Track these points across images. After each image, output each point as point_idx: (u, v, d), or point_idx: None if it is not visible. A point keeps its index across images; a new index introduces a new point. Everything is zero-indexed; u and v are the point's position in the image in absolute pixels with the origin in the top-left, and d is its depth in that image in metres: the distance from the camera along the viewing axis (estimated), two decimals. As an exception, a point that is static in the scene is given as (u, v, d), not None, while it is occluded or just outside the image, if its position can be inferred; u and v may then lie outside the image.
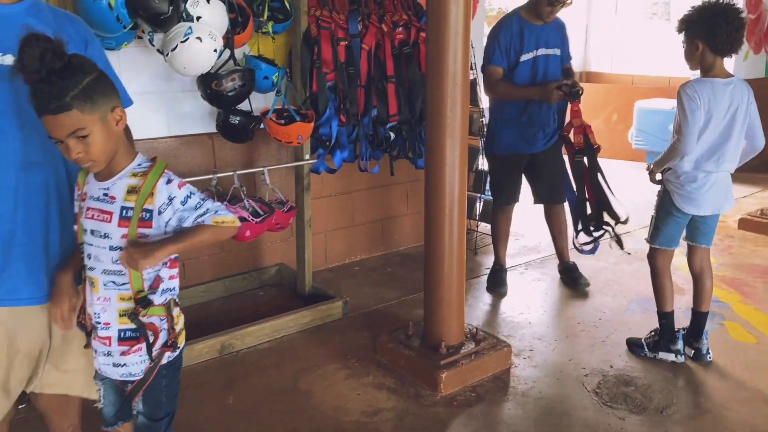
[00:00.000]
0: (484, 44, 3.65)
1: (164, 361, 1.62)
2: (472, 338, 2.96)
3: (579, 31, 7.87)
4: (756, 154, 2.88)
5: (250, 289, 3.81)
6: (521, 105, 3.56)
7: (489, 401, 2.71)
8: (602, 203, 3.49)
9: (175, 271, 1.62)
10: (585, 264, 4.26)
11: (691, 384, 2.84)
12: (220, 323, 3.26)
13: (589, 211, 3.57)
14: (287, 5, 3.27)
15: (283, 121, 3.25)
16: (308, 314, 3.34)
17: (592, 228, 3.57)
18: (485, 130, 4.46)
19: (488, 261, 4.05)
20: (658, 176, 2.92)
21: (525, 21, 3.53)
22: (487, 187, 4.54)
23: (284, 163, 3.62)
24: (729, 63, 6.88)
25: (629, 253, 3.74)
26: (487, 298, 3.79)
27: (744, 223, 4.98)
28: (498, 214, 3.90)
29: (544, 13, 3.47)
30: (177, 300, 1.65)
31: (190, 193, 1.57)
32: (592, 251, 3.71)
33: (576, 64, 7.96)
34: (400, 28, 3.54)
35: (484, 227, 4.58)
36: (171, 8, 2.73)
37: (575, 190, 3.59)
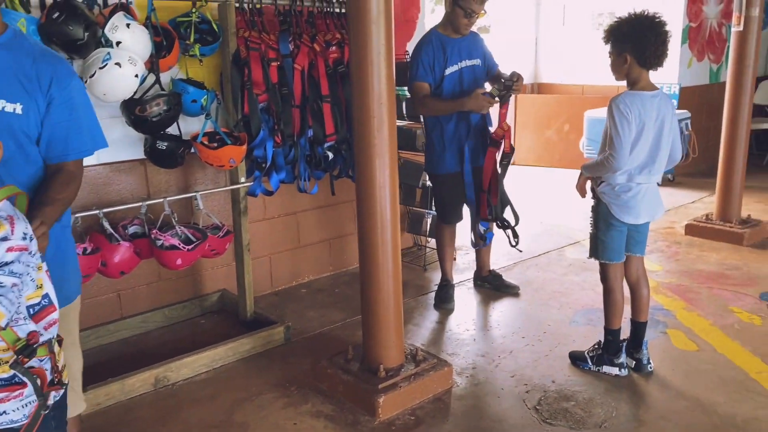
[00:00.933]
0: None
1: (51, 401, 1.53)
2: (412, 359, 2.91)
3: (529, 44, 7.96)
4: (674, 165, 2.91)
5: (191, 318, 3.71)
6: (453, 124, 3.57)
7: (428, 424, 2.65)
8: (505, 201, 3.59)
9: (53, 317, 1.51)
10: (533, 275, 4.27)
11: (632, 396, 2.82)
12: (157, 355, 3.15)
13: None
14: (215, 27, 3.22)
15: (215, 145, 3.18)
16: (248, 342, 3.26)
17: (490, 218, 3.63)
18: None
19: (438, 277, 4.02)
20: (590, 188, 2.92)
21: (444, 36, 3.57)
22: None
23: (222, 186, 3.55)
24: (674, 71, 7.00)
25: (521, 251, 3.80)
26: (434, 316, 3.75)
27: (691, 229, 5.03)
28: (442, 231, 3.88)
29: (461, 25, 3.50)
30: (58, 336, 1.56)
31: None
32: (485, 243, 3.88)
33: (527, 76, 8.05)
34: (334, 47, 3.51)
35: (434, 242, 4.55)
36: (87, 34, 2.65)
37: (485, 188, 3.59)
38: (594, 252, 2.96)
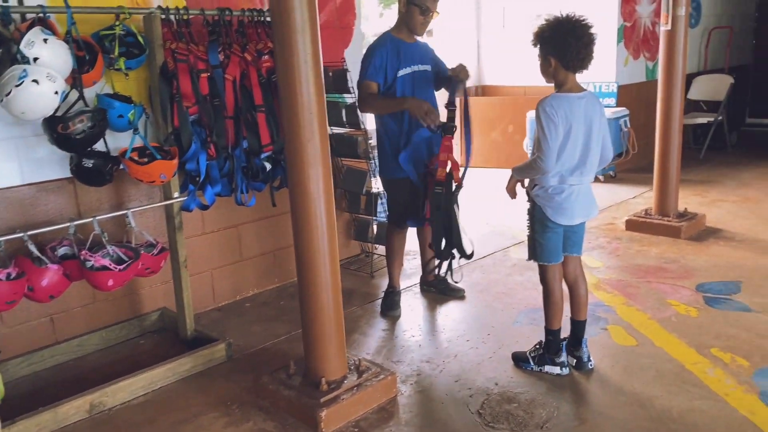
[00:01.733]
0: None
1: None
2: (355, 370, 2.88)
3: (471, 47, 8.04)
4: (606, 164, 2.96)
5: (130, 339, 3.59)
6: (405, 127, 3.57)
7: (371, 435, 2.63)
8: (452, 239, 3.58)
9: None
10: (478, 276, 4.29)
11: (573, 394, 2.85)
12: (94, 379, 3.04)
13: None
14: (140, 40, 3.13)
15: (145, 160, 3.09)
16: (188, 361, 3.17)
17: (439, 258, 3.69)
18: (374, 151, 4.45)
19: (385, 284, 4.00)
20: (525, 191, 2.95)
21: (399, 40, 3.58)
22: (379, 209, 4.53)
23: (155, 202, 3.46)
24: (611, 70, 7.13)
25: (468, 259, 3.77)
26: (381, 323, 3.72)
27: (630, 224, 5.14)
28: (393, 236, 3.86)
29: (417, 24, 3.52)
30: None
31: None
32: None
33: (471, 79, 8.11)
34: (266, 56, 3.45)
35: (382, 249, 4.54)
36: (0, 51, 2.55)
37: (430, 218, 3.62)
38: (532, 254, 2.99)
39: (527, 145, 7.09)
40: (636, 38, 7.28)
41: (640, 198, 6.15)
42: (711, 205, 5.70)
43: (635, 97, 7.13)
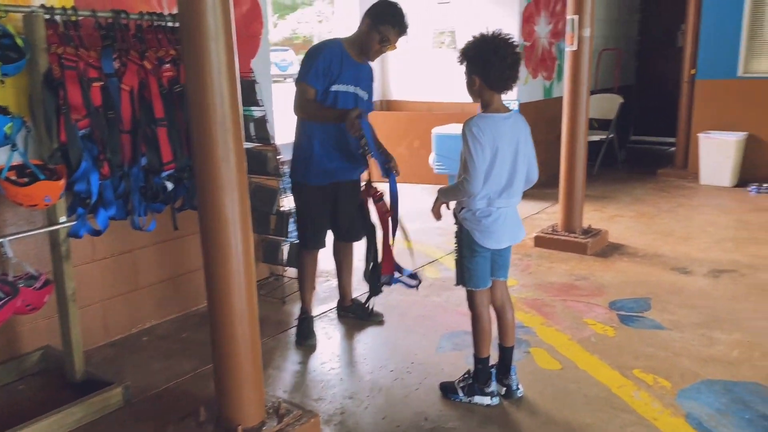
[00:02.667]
0: (299, 67, 3.40)
1: None
2: (274, 413, 2.61)
3: (376, 62, 7.91)
4: (530, 186, 2.90)
5: (6, 384, 3.12)
6: (332, 131, 3.37)
7: (296, 488, 2.38)
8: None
9: None
10: (396, 299, 4.14)
11: (506, 426, 2.73)
12: (-40, 437, 2.58)
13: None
14: (19, 42, 2.72)
15: (25, 180, 2.68)
16: (78, 410, 2.77)
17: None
18: (285, 167, 4.19)
19: (298, 309, 3.73)
20: (452, 214, 2.83)
21: (347, 53, 3.37)
22: (291, 228, 4.26)
23: (38, 228, 3.02)
24: (513, 89, 7.26)
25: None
26: (296, 355, 3.46)
27: (539, 240, 5.19)
28: (305, 258, 3.61)
29: (372, 51, 3.35)
30: None
31: None
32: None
33: (376, 94, 8.02)
34: (168, 65, 3.13)
35: (293, 271, 4.28)
36: None
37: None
38: (460, 279, 2.86)
39: (433, 160, 7.08)
40: (535, 58, 7.47)
41: (543, 213, 6.27)
42: (610, 220, 5.88)
43: (534, 115, 7.30)
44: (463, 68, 2.75)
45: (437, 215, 2.89)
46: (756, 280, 4.31)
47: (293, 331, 3.68)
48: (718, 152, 7.06)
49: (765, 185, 6.84)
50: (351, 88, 3.39)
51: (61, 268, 2.91)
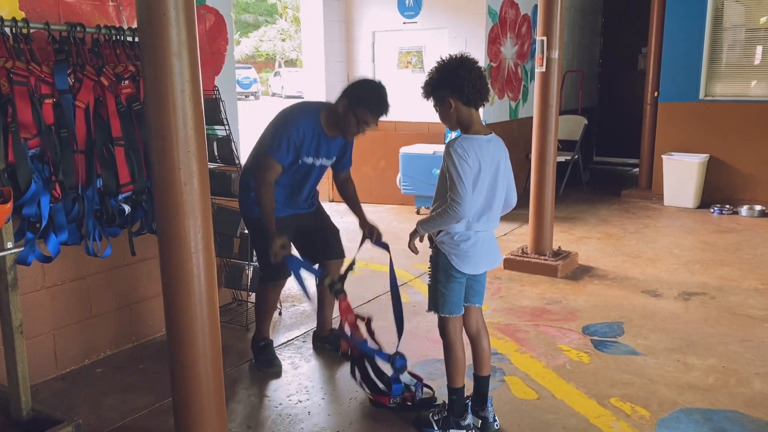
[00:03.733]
0: (269, 133, 3.15)
1: None
2: (238, 454, 2.44)
3: (341, 81, 7.84)
4: (509, 210, 2.80)
5: (-58, 424, 2.87)
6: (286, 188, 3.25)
7: None
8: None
9: None
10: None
11: (482, 461, 2.62)
12: None
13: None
14: (-36, 54, 2.53)
15: (-32, 204, 2.47)
16: (22, 453, 2.55)
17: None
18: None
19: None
20: (427, 237, 2.71)
21: (321, 129, 3.17)
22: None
23: (-19, 253, 2.80)
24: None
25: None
26: (260, 387, 3.28)
27: (509, 263, 5.11)
28: (269, 291, 3.43)
29: (349, 131, 3.16)
30: None
31: None
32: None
33: (341, 112, 7.92)
34: (127, 81, 2.97)
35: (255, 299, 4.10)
36: None
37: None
38: (433, 305, 2.73)
39: (400, 180, 6.99)
40: (501, 78, 7.48)
41: (511, 235, 6.21)
42: (579, 242, 5.87)
43: (501, 135, 7.25)
44: (431, 103, 2.66)
45: (415, 250, 2.73)
46: (726, 303, 4.31)
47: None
48: (681, 174, 7.14)
49: (727, 207, 6.94)
50: (316, 161, 3.23)
51: (7, 298, 2.69)
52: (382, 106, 3.08)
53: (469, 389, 2.87)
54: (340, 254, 3.55)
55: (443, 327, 2.74)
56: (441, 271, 2.68)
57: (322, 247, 3.49)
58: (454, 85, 2.56)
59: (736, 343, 3.68)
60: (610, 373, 3.33)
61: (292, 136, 3.07)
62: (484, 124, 2.68)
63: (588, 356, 3.54)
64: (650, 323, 3.99)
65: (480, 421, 2.82)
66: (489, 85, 2.64)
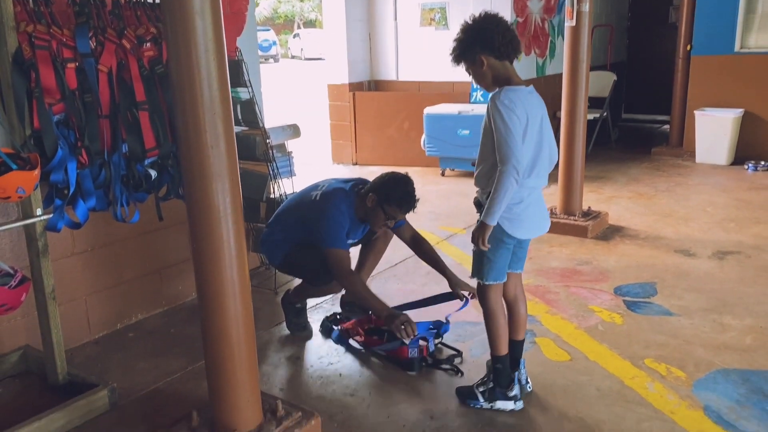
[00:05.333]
0: (323, 224, 3.11)
1: None
2: (272, 416, 2.44)
3: (362, 41, 7.70)
4: (552, 167, 2.70)
5: (-18, 388, 2.93)
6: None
7: (298, 497, 2.22)
8: None
9: None
10: (393, 288, 3.99)
11: (516, 424, 2.59)
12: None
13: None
14: (-16, 19, 2.49)
15: (-4, 171, 2.47)
16: (61, 416, 2.59)
17: None
18: (272, 153, 4.00)
19: (289, 299, 3.56)
20: (475, 202, 2.61)
21: (354, 219, 3.23)
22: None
23: (12, 222, 2.80)
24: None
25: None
26: (291, 349, 3.29)
27: (537, 224, 5.03)
28: (314, 289, 3.42)
29: (378, 224, 3.21)
30: None
31: None
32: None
33: (362, 74, 7.81)
34: (149, 44, 2.91)
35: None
36: None
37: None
38: (478, 272, 2.63)
39: (424, 142, 6.89)
40: (527, 34, 7.28)
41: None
42: (609, 202, 5.75)
43: (528, 94, 7.13)
44: (462, 68, 2.56)
45: (485, 245, 2.51)
46: (763, 262, 4.20)
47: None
48: (714, 129, 6.93)
49: (762, 163, 6.73)
50: (349, 241, 3.30)
51: (39, 264, 2.71)
52: (411, 202, 3.14)
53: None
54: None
55: (485, 294, 2.65)
56: (490, 236, 2.54)
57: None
58: (482, 40, 2.45)
59: (774, 303, 3.60)
60: (644, 334, 3.28)
61: (343, 223, 3.13)
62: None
63: (620, 317, 3.49)
64: (684, 283, 3.91)
65: None
66: (518, 37, 2.51)
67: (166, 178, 3.20)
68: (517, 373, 2.73)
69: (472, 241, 2.52)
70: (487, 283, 2.60)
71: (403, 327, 2.95)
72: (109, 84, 2.81)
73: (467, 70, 2.54)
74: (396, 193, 3.09)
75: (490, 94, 2.46)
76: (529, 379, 2.81)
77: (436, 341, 3.21)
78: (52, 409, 2.59)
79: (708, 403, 2.66)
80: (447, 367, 3.01)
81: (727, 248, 4.47)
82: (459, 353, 3.12)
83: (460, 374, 2.95)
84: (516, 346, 2.79)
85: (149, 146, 2.95)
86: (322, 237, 3.09)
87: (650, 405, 2.67)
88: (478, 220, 2.53)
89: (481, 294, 2.66)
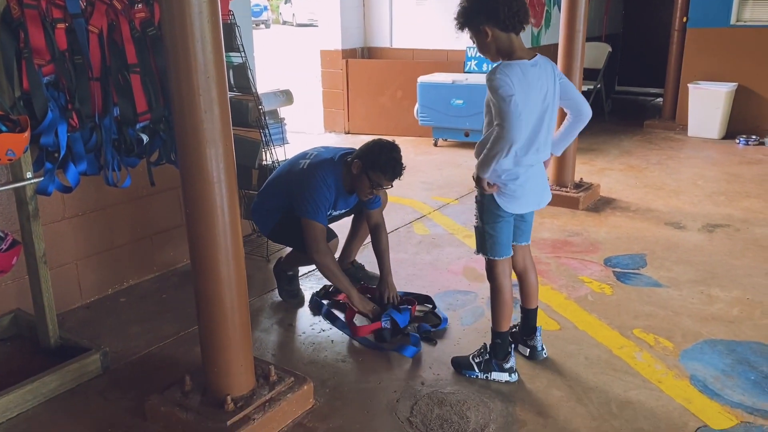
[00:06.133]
0: (306, 194, 3.07)
1: None
2: (265, 382, 2.47)
3: (356, 6, 7.59)
4: (585, 123, 2.67)
5: (-26, 351, 2.93)
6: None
7: (290, 460, 2.26)
8: None
9: None
10: (385, 259, 3.98)
11: (504, 391, 2.62)
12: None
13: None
14: (-30, -24, 2.43)
15: (-15, 133, 2.43)
16: (53, 379, 2.60)
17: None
18: (265, 119, 3.96)
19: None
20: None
21: (341, 187, 3.18)
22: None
23: (2, 185, 2.77)
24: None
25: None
26: (283, 316, 3.31)
27: (529, 195, 5.04)
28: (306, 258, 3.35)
29: (364, 192, 3.15)
30: None
31: None
32: None
33: (356, 40, 7.71)
34: (140, 5, 2.85)
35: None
36: None
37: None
38: (481, 247, 2.64)
39: (418, 111, 6.85)
40: (523, 3, 7.18)
41: (531, 166, 6.10)
42: (600, 174, 5.76)
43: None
44: (466, 34, 2.51)
45: (487, 188, 2.52)
46: (751, 235, 4.24)
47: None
48: (707, 103, 6.93)
49: (753, 137, 6.76)
50: (333, 212, 3.26)
51: (30, 228, 2.69)
52: (397, 169, 3.06)
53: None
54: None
55: (491, 269, 2.65)
56: (486, 211, 2.57)
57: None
58: (488, 10, 2.39)
59: (761, 276, 3.64)
60: (633, 305, 3.32)
61: (325, 195, 3.09)
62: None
63: (610, 288, 3.52)
64: (673, 255, 3.94)
65: (528, 350, 2.85)
66: (527, 7, 2.46)
67: (158, 142, 3.16)
68: (520, 335, 2.80)
69: (482, 192, 2.55)
70: (491, 257, 2.61)
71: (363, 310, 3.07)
72: (100, 46, 2.75)
73: (471, 38, 2.50)
74: (381, 159, 3.03)
75: (488, 73, 2.42)
76: (544, 346, 2.85)
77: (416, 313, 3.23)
78: (43, 373, 2.60)
79: (694, 373, 2.71)
80: (418, 335, 3.01)
81: (717, 221, 4.51)
82: (435, 327, 3.12)
83: (434, 343, 2.98)
84: (530, 315, 2.83)
85: (141, 110, 2.91)
86: (301, 206, 3.08)
87: (638, 374, 2.71)
88: (476, 196, 2.57)
89: (488, 269, 2.66)
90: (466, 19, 2.46)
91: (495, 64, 2.42)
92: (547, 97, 2.46)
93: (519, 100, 2.33)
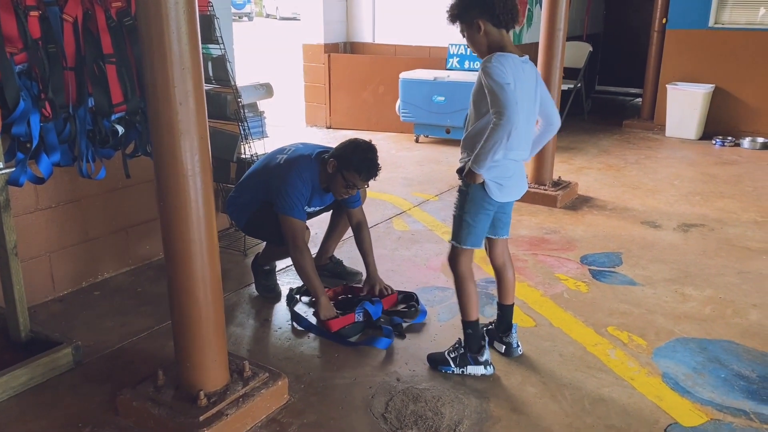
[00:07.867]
0: (282, 189, 3.06)
1: None
2: (239, 377, 2.45)
3: (339, 1, 7.55)
4: (554, 133, 2.69)
5: (-59, 344, 2.87)
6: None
7: (263, 455, 2.24)
8: None
9: None
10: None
11: (478, 387, 2.63)
12: None
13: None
14: (-60, -40, 2.37)
15: (-46, 121, 2.38)
16: (23, 372, 2.57)
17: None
18: (244, 112, 3.93)
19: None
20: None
21: (317, 184, 3.16)
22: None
23: (-29, 174, 2.72)
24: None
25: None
26: (260, 311, 3.29)
27: (508, 192, 5.06)
28: (283, 250, 3.32)
29: (338, 191, 3.15)
30: None
31: None
32: None
33: (338, 35, 7.68)
34: (117, -6, 2.81)
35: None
36: None
37: None
38: (457, 236, 2.63)
39: (399, 107, 6.84)
40: (505, 1, 7.20)
41: (511, 164, 6.13)
42: (578, 172, 5.81)
43: (504, 62, 7.09)
44: (456, 28, 2.51)
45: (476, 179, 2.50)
46: (724, 235, 4.30)
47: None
48: (685, 104, 7.01)
49: (729, 138, 6.85)
50: (310, 209, 3.26)
51: (0, 219, 2.64)
52: (372, 170, 3.05)
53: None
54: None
55: (455, 258, 2.65)
56: (470, 201, 2.55)
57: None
58: (483, 4, 2.40)
59: (733, 275, 3.69)
60: (608, 303, 3.35)
61: (301, 191, 3.07)
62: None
63: (586, 285, 3.55)
64: (649, 254, 3.99)
65: (504, 347, 2.85)
66: (518, 7, 2.46)
67: (134, 134, 3.12)
68: (496, 331, 2.82)
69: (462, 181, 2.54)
70: (462, 246, 2.61)
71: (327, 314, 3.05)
72: (75, 35, 2.71)
73: (462, 32, 2.51)
74: (356, 159, 3.02)
75: (483, 60, 2.41)
76: (519, 343, 2.86)
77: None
78: (14, 366, 2.56)
79: (666, 371, 2.74)
80: (389, 327, 3.03)
81: (692, 221, 4.57)
82: (409, 320, 3.14)
83: (403, 337, 2.99)
84: (506, 311, 2.84)
85: (116, 101, 2.87)
86: (279, 203, 3.06)
87: (611, 371, 2.74)
88: (459, 187, 2.57)
89: (453, 258, 2.67)
90: (460, 11, 2.47)
91: (491, 56, 2.41)
92: (535, 95, 2.49)
93: (513, 86, 2.33)
